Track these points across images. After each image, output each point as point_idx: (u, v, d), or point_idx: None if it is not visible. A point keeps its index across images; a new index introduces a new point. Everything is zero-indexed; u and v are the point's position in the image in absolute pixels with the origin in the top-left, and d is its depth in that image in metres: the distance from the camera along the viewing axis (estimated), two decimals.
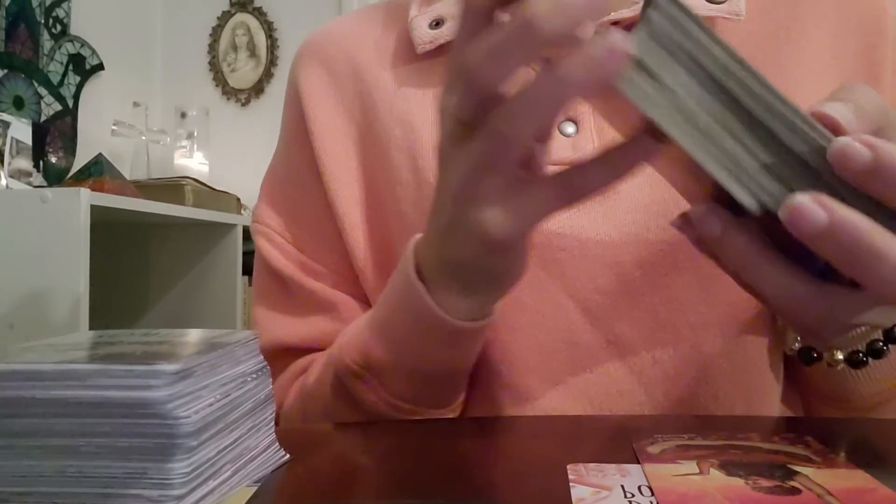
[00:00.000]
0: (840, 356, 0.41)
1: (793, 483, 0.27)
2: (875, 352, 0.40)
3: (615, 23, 0.47)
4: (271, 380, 0.34)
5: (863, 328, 0.40)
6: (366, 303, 0.53)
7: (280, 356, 0.53)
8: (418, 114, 0.51)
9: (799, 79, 0.47)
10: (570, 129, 0.47)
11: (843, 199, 0.27)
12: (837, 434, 0.38)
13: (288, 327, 0.54)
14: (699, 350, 0.44)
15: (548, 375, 0.45)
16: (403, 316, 0.40)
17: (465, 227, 0.33)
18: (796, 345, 0.43)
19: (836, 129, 0.27)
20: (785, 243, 0.28)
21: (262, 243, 0.57)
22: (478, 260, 0.35)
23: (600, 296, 0.45)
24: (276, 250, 0.56)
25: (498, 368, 0.46)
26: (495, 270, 0.36)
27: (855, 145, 0.26)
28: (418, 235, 0.40)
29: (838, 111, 0.27)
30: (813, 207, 0.26)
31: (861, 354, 0.40)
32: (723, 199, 0.29)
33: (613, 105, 0.47)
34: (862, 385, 0.42)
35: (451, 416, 0.45)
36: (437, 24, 0.51)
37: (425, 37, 0.50)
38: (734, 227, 0.29)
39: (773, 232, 0.28)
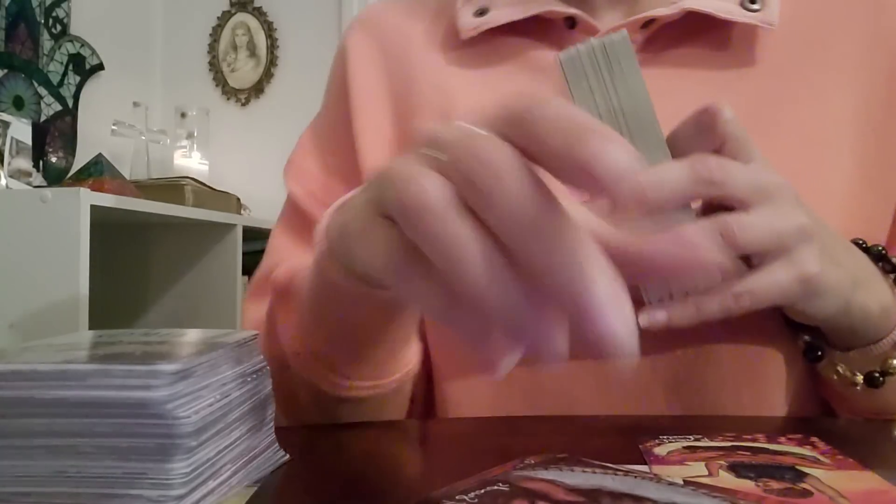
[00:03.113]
0: (859, 378, 0.41)
1: (804, 485, 0.27)
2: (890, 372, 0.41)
3: (651, 21, 0.49)
4: (271, 380, 0.33)
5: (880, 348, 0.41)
6: None
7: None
8: (458, 97, 0.53)
9: (826, 89, 0.48)
10: None
11: None
12: (842, 435, 0.38)
13: (302, 257, 0.54)
14: (709, 338, 0.44)
15: (564, 370, 0.45)
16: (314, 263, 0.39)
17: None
18: (858, 378, 0.42)
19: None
20: None
21: (291, 184, 0.59)
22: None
23: None
24: (303, 190, 0.58)
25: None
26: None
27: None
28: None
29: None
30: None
31: (878, 374, 0.41)
32: None
33: None
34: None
35: (393, 408, 0.45)
36: (481, 12, 0.53)
37: (469, 24, 0.53)
38: None
39: None
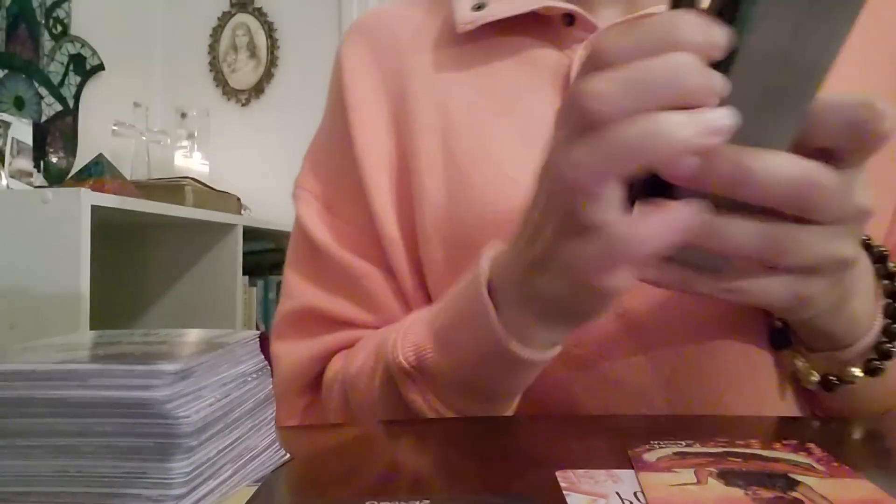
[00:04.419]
0: (815, 378, 0.41)
1: (794, 494, 0.26)
2: (886, 353, 0.40)
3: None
4: (272, 380, 0.34)
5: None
6: (391, 272, 0.54)
7: (310, 318, 0.55)
8: (454, 97, 0.52)
9: (829, 83, 0.47)
10: None
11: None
12: (841, 440, 0.37)
13: (316, 295, 0.56)
14: (705, 321, 0.44)
15: (564, 370, 0.45)
16: (466, 330, 0.40)
17: (562, 263, 0.32)
18: (813, 378, 0.42)
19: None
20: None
21: (299, 207, 0.59)
22: (568, 298, 0.34)
23: None
24: (313, 213, 0.58)
25: None
26: (581, 308, 0.35)
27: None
28: (495, 250, 0.39)
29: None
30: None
31: (834, 379, 0.41)
32: None
33: None
34: (869, 402, 0.42)
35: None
36: (478, 7, 0.53)
37: (467, 17, 0.52)
38: None
39: None
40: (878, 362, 0.40)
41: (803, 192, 0.29)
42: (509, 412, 0.45)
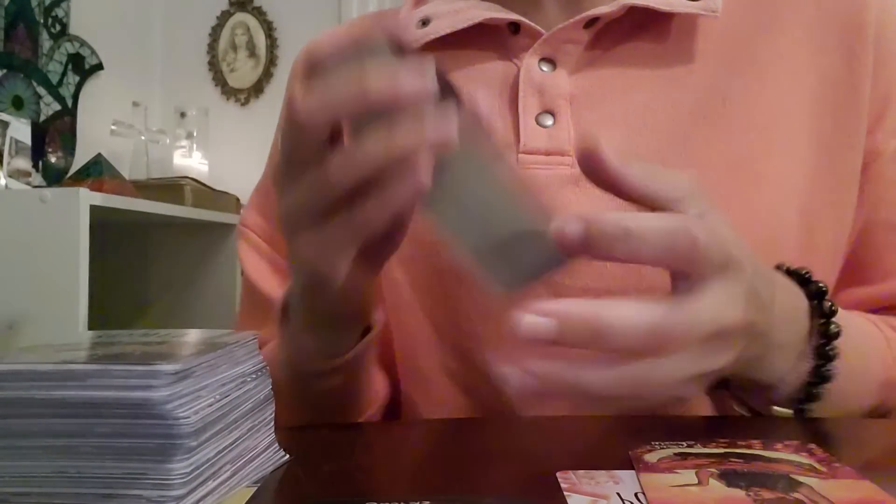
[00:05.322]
0: (784, 412, 0.40)
1: (796, 495, 0.26)
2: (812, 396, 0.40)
3: (595, 19, 0.48)
4: (270, 380, 0.34)
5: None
6: None
7: None
8: None
9: (776, 74, 0.48)
10: (548, 121, 0.48)
11: None
12: (843, 440, 0.37)
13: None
14: None
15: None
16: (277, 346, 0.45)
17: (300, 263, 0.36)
18: (741, 410, 0.42)
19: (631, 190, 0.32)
20: None
21: (238, 245, 0.60)
22: (327, 305, 0.39)
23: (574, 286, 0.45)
24: (252, 250, 0.59)
25: (475, 331, 0.48)
26: (328, 310, 0.40)
27: (568, 225, 0.30)
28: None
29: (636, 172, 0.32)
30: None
31: (801, 404, 0.40)
32: None
33: (590, 97, 0.48)
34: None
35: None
36: (423, 23, 0.52)
37: (413, 35, 0.52)
38: None
39: None
40: (803, 405, 0.39)
41: None
42: (363, 408, 0.48)
